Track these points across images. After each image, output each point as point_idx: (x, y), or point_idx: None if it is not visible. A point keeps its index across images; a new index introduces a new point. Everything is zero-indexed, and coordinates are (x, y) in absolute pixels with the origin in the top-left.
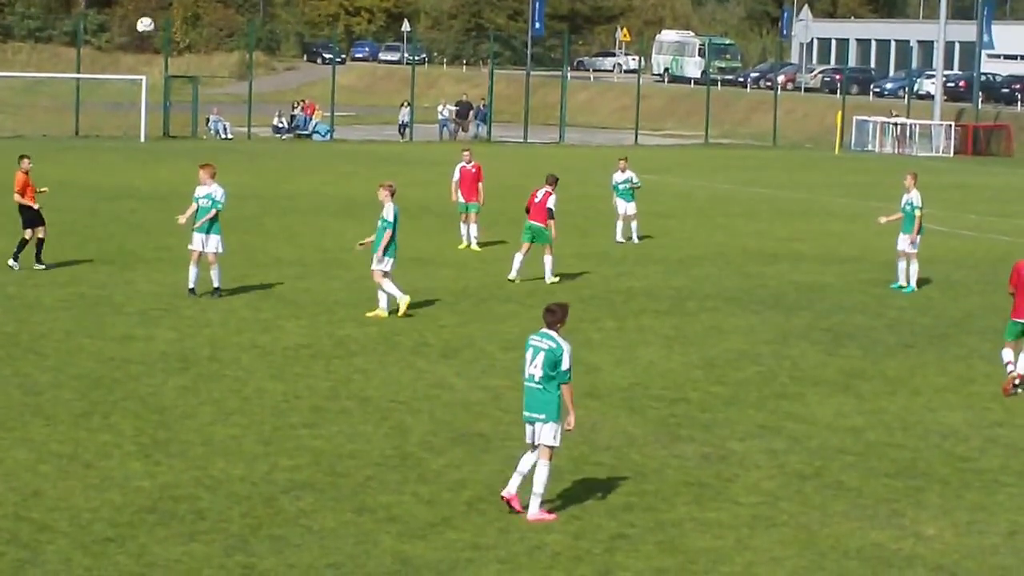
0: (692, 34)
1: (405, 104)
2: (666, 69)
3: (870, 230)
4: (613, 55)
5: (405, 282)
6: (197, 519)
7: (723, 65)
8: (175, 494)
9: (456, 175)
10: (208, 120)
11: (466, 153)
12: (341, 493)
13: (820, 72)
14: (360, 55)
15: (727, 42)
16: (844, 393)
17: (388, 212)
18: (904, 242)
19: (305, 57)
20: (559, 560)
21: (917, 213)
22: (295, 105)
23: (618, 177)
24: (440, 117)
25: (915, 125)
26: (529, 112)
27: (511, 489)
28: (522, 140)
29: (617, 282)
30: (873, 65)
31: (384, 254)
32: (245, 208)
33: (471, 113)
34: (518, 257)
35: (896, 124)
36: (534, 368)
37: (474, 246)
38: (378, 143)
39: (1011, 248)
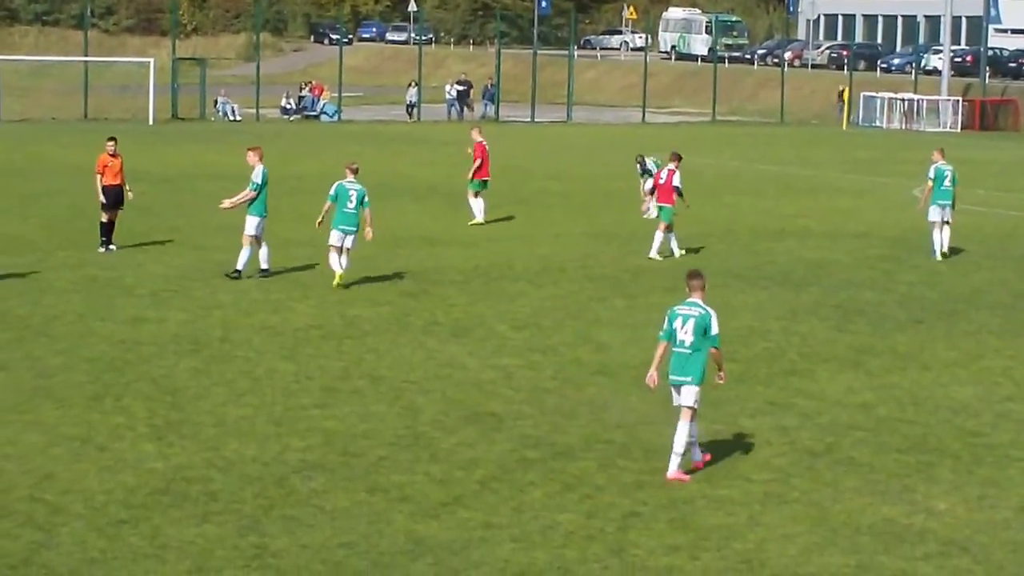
0: (699, 11)
1: (412, 84)
2: (673, 47)
3: (878, 206)
4: (620, 33)
5: (414, 261)
6: (210, 500)
7: (730, 42)
8: (188, 475)
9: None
10: (216, 102)
11: (474, 131)
12: (353, 473)
13: (827, 48)
14: (367, 35)
15: (734, 19)
16: (854, 369)
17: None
18: (935, 212)
19: (312, 38)
20: (572, 538)
21: (946, 183)
22: (303, 86)
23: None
24: (447, 97)
25: (922, 100)
26: (536, 91)
27: (695, 456)
28: (529, 120)
29: (625, 260)
30: (880, 41)
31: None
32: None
33: (471, 92)
34: (657, 234)
35: (901, 100)
36: (685, 334)
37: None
38: (386, 123)
39: (1019, 223)
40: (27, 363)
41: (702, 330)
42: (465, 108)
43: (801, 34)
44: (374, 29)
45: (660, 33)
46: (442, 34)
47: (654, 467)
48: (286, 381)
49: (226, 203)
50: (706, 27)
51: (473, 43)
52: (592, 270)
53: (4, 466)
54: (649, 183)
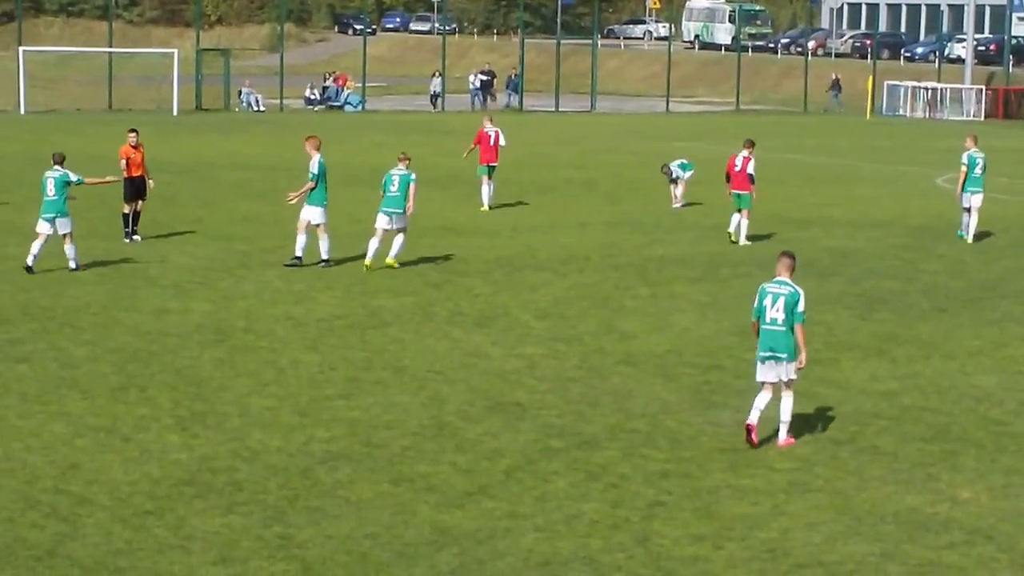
0: (722, 0)
1: (436, 74)
2: (696, 36)
3: (902, 195)
4: (643, 22)
5: (438, 251)
6: (235, 491)
7: (753, 31)
8: (213, 466)
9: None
10: (240, 92)
11: (485, 119)
12: (378, 463)
13: (851, 37)
14: (391, 25)
15: (757, 8)
16: (878, 358)
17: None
18: (966, 199)
19: (336, 28)
20: (597, 528)
21: (977, 171)
22: (326, 76)
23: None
24: (471, 87)
25: (946, 89)
26: (560, 81)
27: (752, 419)
28: (553, 109)
29: (649, 249)
30: (903, 29)
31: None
32: (278, 179)
33: (494, 83)
34: (741, 221)
35: (925, 88)
36: (776, 312)
37: (486, 207)
38: (409, 113)
39: None
40: (52, 354)
41: (791, 307)
42: (488, 98)
43: (824, 23)
44: (398, 19)
45: (683, 22)
46: (466, 24)
47: (679, 456)
48: (310, 372)
49: (292, 196)
50: (729, 16)
51: (497, 33)
52: (616, 259)
53: (29, 457)
54: (680, 187)
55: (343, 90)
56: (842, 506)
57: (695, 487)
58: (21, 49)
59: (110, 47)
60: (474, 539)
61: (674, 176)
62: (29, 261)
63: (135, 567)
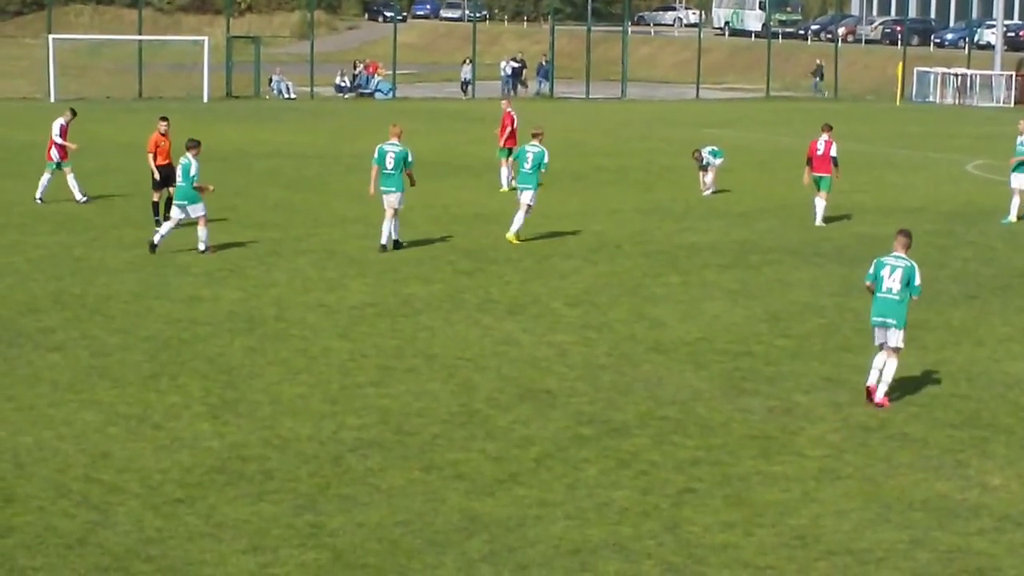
0: None
1: (467, 61)
2: (726, 22)
3: (932, 181)
4: (673, 9)
5: (468, 238)
6: (266, 479)
7: (784, 18)
8: (244, 454)
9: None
10: (271, 80)
11: (504, 102)
12: (409, 451)
13: (880, 24)
14: (421, 12)
15: None
16: (908, 344)
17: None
18: (1017, 180)
19: (366, 16)
20: (627, 515)
21: None
22: (357, 64)
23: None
24: (503, 75)
25: (976, 75)
26: (590, 68)
27: (871, 381)
28: (584, 96)
29: (680, 237)
30: (933, 16)
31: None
32: (309, 167)
33: (525, 71)
34: (819, 202)
35: (955, 75)
36: (892, 282)
37: (505, 188)
38: (440, 100)
39: None
40: (83, 342)
41: (907, 280)
42: (519, 86)
43: (855, 9)
44: (428, 6)
45: (713, 9)
46: (496, 11)
47: (709, 443)
48: (341, 359)
49: (372, 188)
50: (760, 3)
51: (527, 20)
52: (647, 246)
53: (61, 445)
54: (710, 175)
55: (373, 77)
56: (872, 493)
57: (725, 474)
58: (51, 37)
59: (140, 35)
60: (504, 526)
61: (704, 162)
62: (156, 239)
63: (166, 555)
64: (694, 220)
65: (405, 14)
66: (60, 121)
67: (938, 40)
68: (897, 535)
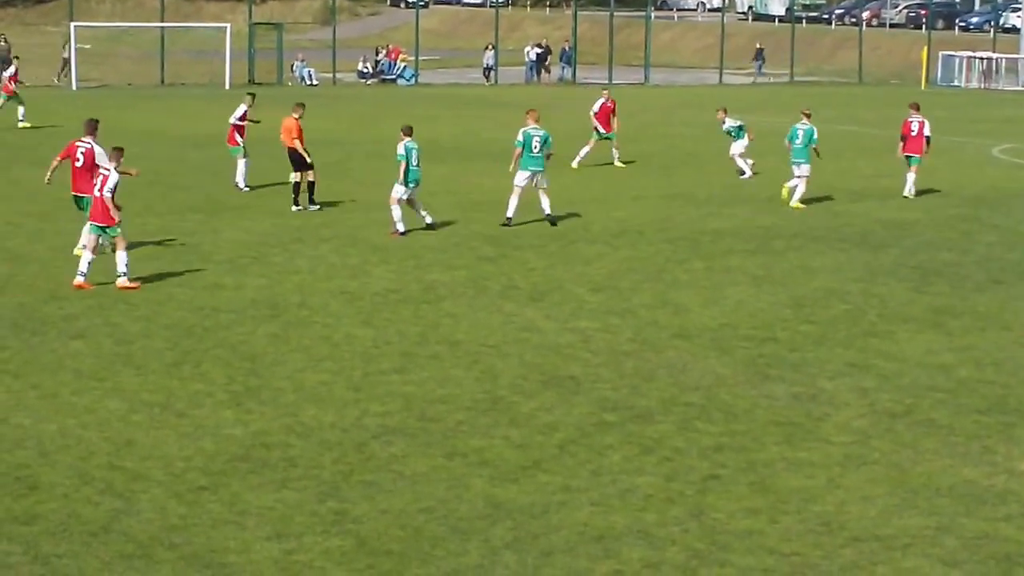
0: None
1: (489, 47)
2: (750, 7)
3: (957, 166)
4: None
5: (491, 224)
6: (289, 466)
7: (807, 2)
8: (267, 441)
9: (596, 108)
10: (293, 66)
11: (605, 92)
12: (432, 438)
13: (905, 7)
14: None
15: None
16: (933, 330)
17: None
18: None
19: (388, 2)
20: (651, 502)
21: None
22: (379, 50)
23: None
24: (527, 60)
25: (1001, 59)
26: (613, 53)
27: None
28: (607, 82)
29: (704, 223)
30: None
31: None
32: (332, 153)
33: (549, 58)
34: (911, 176)
35: (980, 58)
36: None
37: (617, 163)
38: (463, 86)
39: None
40: (106, 330)
41: None
42: (543, 71)
43: None
44: None
45: None
46: None
47: (733, 430)
48: (364, 346)
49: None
50: None
51: (550, 5)
52: (670, 232)
53: (84, 433)
54: (738, 145)
55: (396, 63)
56: (898, 479)
57: (750, 460)
58: (73, 24)
59: (162, 22)
60: (528, 513)
61: (726, 128)
62: (429, 219)
63: (189, 542)
64: (717, 206)
65: (427, 0)
66: (242, 107)
67: (963, 24)
68: (923, 521)
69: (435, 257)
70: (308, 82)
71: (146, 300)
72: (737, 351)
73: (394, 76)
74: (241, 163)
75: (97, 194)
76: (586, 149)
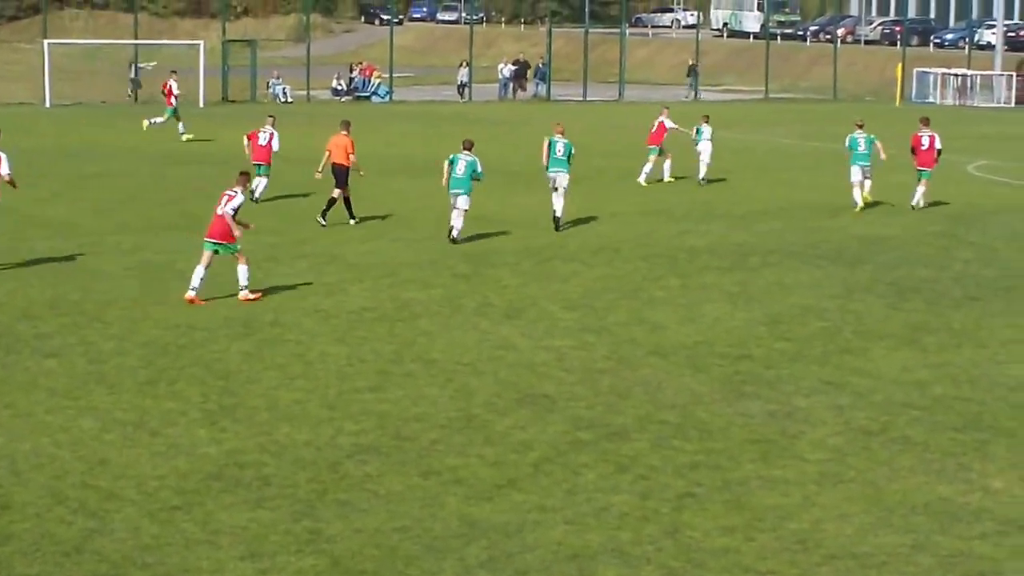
0: None
1: (464, 64)
2: (725, 24)
3: (933, 182)
4: (671, 11)
5: (466, 242)
6: (263, 485)
7: (782, 19)
8: (241, 460)
9: (654, 127)
10: (268, 83)
11: (665, 110)
12: (407, 456)
13: (880, 24)
14: (418, 15)
15: None
16: (909, 347)
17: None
18: None
19: (363, 18)
20: (627, 520)
21: None
22: (353, 67)
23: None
24: (501, 77)
25: (976, 76)
26: (588, 70)
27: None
28: (582, 98)
29: (680, 240)
30: (933, 16)
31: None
32: (308, 171)
33: (528, 73)
34: (921, 190)
35: (955, 75)
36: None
37: (667, 178)
38: (437, 103)
39: None
40: (80, 348)
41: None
42: (518, 88)
43: (853, 10)
44: (425, 9)
45: (711, 10)
46: (493, 13)
47: (709, 447)
48: (338, 364)
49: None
50: (758, 4)
51: (524, 22)
52: (646, 249)
53: (57, 452)
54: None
55: (370, 80)
56: (873, 497)
57: (725, 478)
58: (46, 42)
59: (136, 39)
60: (503, 532)
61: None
62: (454, 234)
63: (163, 562)
64: (694, 222)
65: (401, 17)
66: (269, 129)
67: (938, 40)
68: (899, 539)
69: (410, 275)
70: (282, 99)
71: (120, 318)
72: (713, 369)
73: (368, 93)
74: (264, 180)
75: (220, 212)
76: (655, 167)
